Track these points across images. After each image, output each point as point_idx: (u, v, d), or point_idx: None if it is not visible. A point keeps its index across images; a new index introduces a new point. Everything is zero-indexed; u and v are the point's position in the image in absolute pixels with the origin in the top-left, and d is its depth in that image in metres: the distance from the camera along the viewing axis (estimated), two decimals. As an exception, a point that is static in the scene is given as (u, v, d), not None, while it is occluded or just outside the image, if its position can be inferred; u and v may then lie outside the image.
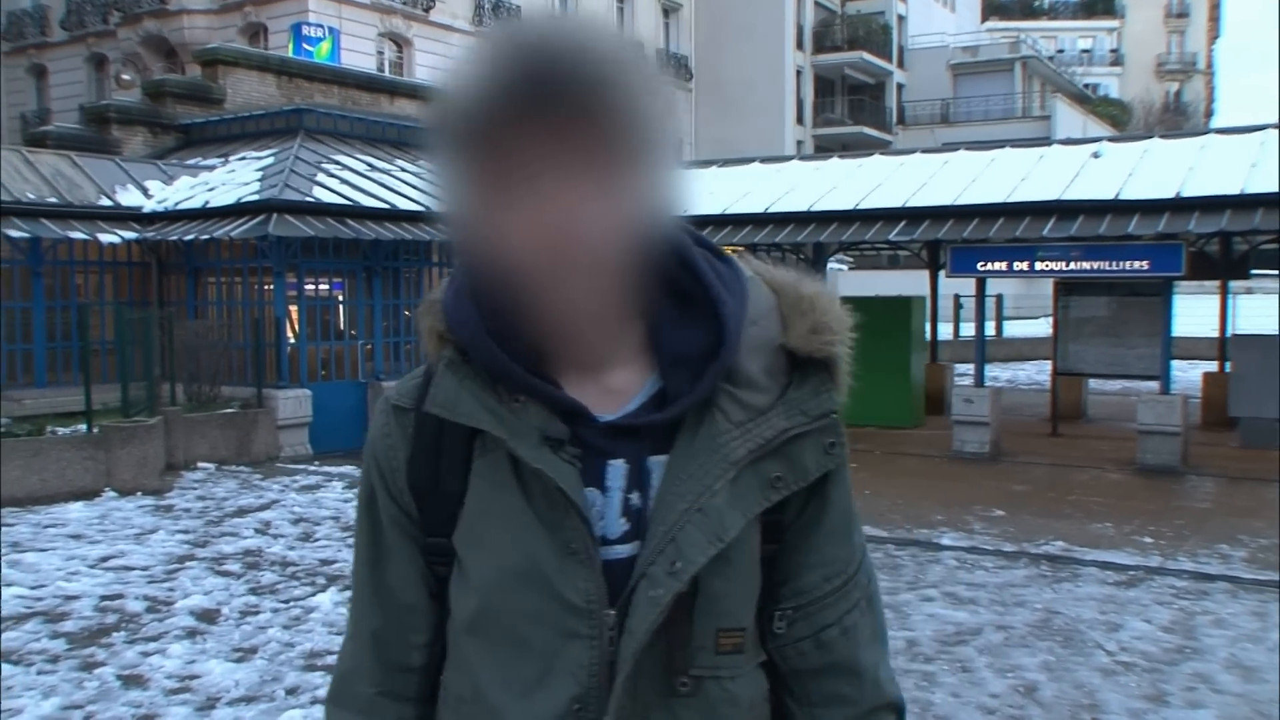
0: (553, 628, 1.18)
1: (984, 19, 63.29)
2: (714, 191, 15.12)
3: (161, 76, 22.83)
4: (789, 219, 13.78)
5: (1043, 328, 28.05)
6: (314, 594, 7.31)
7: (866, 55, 45.34)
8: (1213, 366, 16.58)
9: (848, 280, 28.28)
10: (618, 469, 1.20)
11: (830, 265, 17.11)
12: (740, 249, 15.45)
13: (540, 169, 1.05)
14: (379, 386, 14.03)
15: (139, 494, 10.76)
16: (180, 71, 25.31)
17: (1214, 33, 77.40)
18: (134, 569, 8.04)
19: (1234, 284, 16.63)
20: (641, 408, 1.21)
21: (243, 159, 16.48)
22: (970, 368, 14.61)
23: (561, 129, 1.04)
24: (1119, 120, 54.49)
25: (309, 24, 26.09)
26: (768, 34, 41.94)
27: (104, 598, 7.29)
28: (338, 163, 15.90)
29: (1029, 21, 68.24)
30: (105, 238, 14.24)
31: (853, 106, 47.05)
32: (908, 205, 13.16)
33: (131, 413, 11.59)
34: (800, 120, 43.74)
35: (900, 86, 48.61)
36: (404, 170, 16.50)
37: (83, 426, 11.15)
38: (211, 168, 16.53)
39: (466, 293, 1.21)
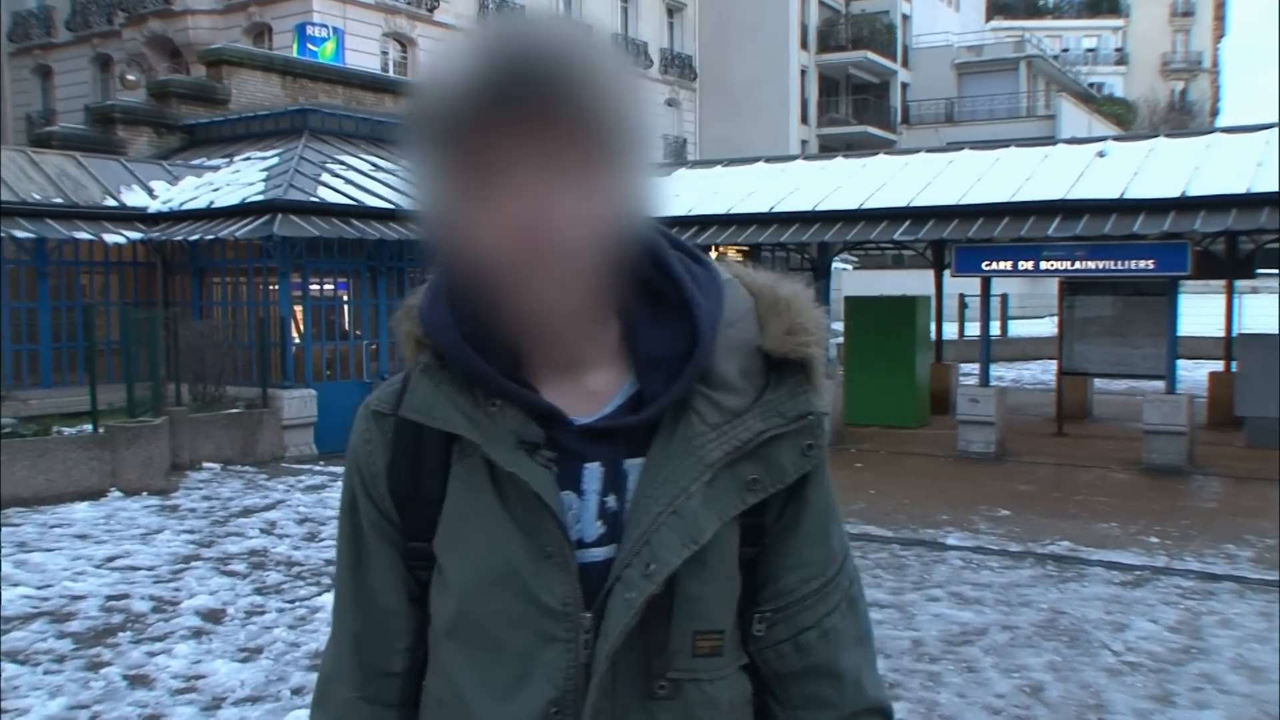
0: (529, 631, 1.18)
1: (988, 18, 63.21)
2: (719, 191, 15.12)
3: (166, 77, 22.86)
4: (794, 219, 13.77)
5: (1048, 327, 28.01)
6: (319, 594, 7.32)
7: (871, 55, 45.29)
8: (1218, 366, 16.54)
9: (852, 280, 28.27)
10: (593, 472, 1.20)
11: (835, 265, 17.10)
12: (743, 249, 15.46)
13: (514, 168, 1.05)
14: (384, 386, 14.02)
15: (144, 494, 10.78)
16: (185, 72, 25.34)
17: (1219, 31, 77.26)
18: (140, 569, 8.05)
19: (1240, 283, 16.59)
20: (617, 410, 1.21)
21: (247, 159, 16.49)
22: (975, 367, 14.60)
23: (535, 129, 1.05)
24: (1124, 119, 54.39)
25: (313, 24, 26.13)
26: (772, 33, 41.90)
27: (110, 598, 7.30)
28: (342, 163, 15.92)
29: (1034, 20, 68.12)
30: (110, 238, 14.26)
31: (857, 106, 47.01)
32: (912, 205, 13.15)
33: (137, 413, 11.61)
34: (805, 120, 43.70)
35: (905, 86, 48.56)
36: (408, 170, 16.50)
37: (88, 427, 11.17)
38: (216, 168, 16.55)
39: (443, 297, 1.22)
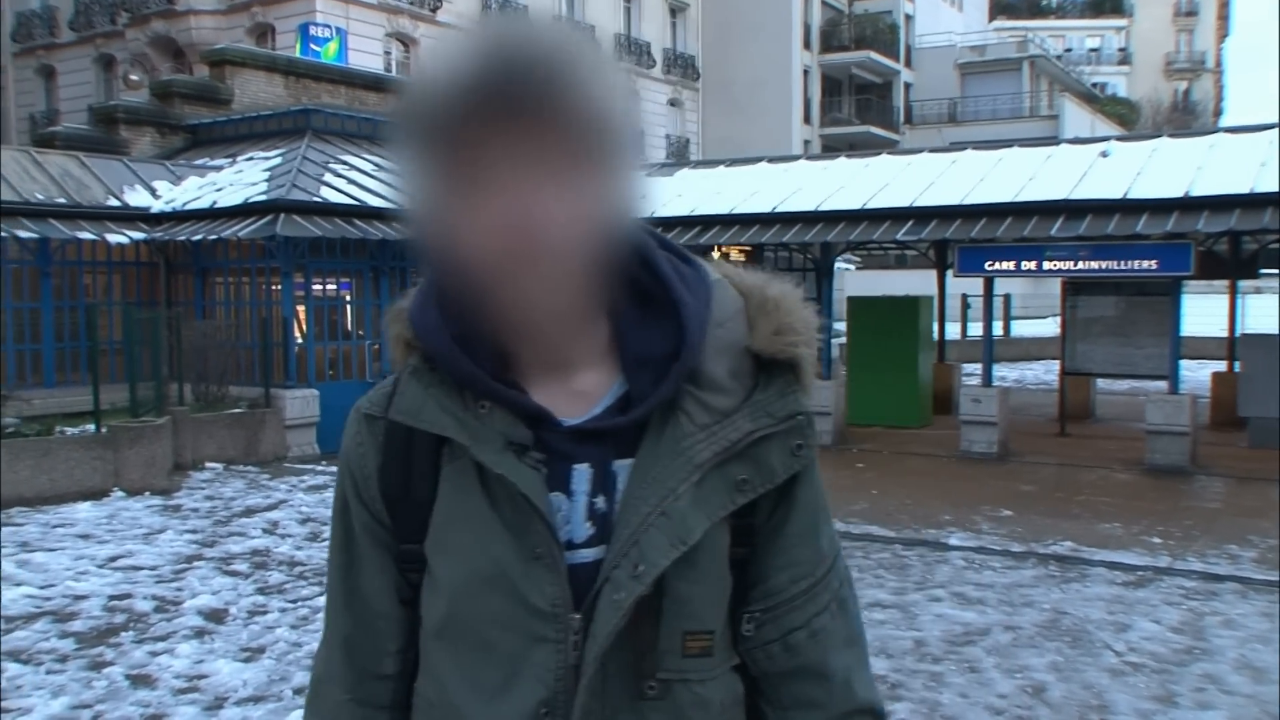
0: (519, 632, 1.18)
1: (991, 18, 63.19)
2: (721, 191, 15.12)
3: (169, 77, 22.89)
4: (796, 218, 13.77)
5: (1051, 327, 27.97)
6: (321, 594, 7.27)
7: (874, 55, 45.29)
8: (1221, 366, 16.52)
9: (855, 280, 28.25)
10: (582, 473, 1.20)
11: (838, 265, 17.09)
12: (746, 249, 15.47)
13: (501, 168, 1.05)
14: (386, 386, 14.03)
15: (147, 494, 10.79)
16: (188, 72, 25.36)
17: (1223, 31, 77.17)
18: (142, 569, 8.05)
19: (1243, 283, 16.58)
20: (606, 411, 1.20)
21: (250, 159, 16.51)
22: (978, 367, 14.59)
23: (523, 129, 1.05)
24: (1127, 119, 54.35)
25: (316, 24, 26.13)
26: (775, 33, 41.89)
27: (112, 597, 7.31)
28: (345, 163, 15.93)
29: (1037, 20, 68.06)
30: (113, 238, 14.29)
31: (860, 106, 47.00)
32: (915, 205, 13.15)
33: (140, 413, 11.62)
34: (807, 120, 43.70)
35: (908, 86, 48.55)
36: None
37: (91, 426, 11.18)
38: (219, 168, 16.57)
39: (432, 299, 1.22)
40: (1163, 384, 12.76)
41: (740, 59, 41.76)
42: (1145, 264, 11.98)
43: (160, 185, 15.69)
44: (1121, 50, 72.11)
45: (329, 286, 15.19)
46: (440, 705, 1.24)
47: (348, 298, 15.44)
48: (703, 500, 1.18)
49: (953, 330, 21.43)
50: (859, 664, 1.30)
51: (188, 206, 14.85)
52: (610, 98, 1.09)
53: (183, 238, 14.28)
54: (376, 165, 16.19)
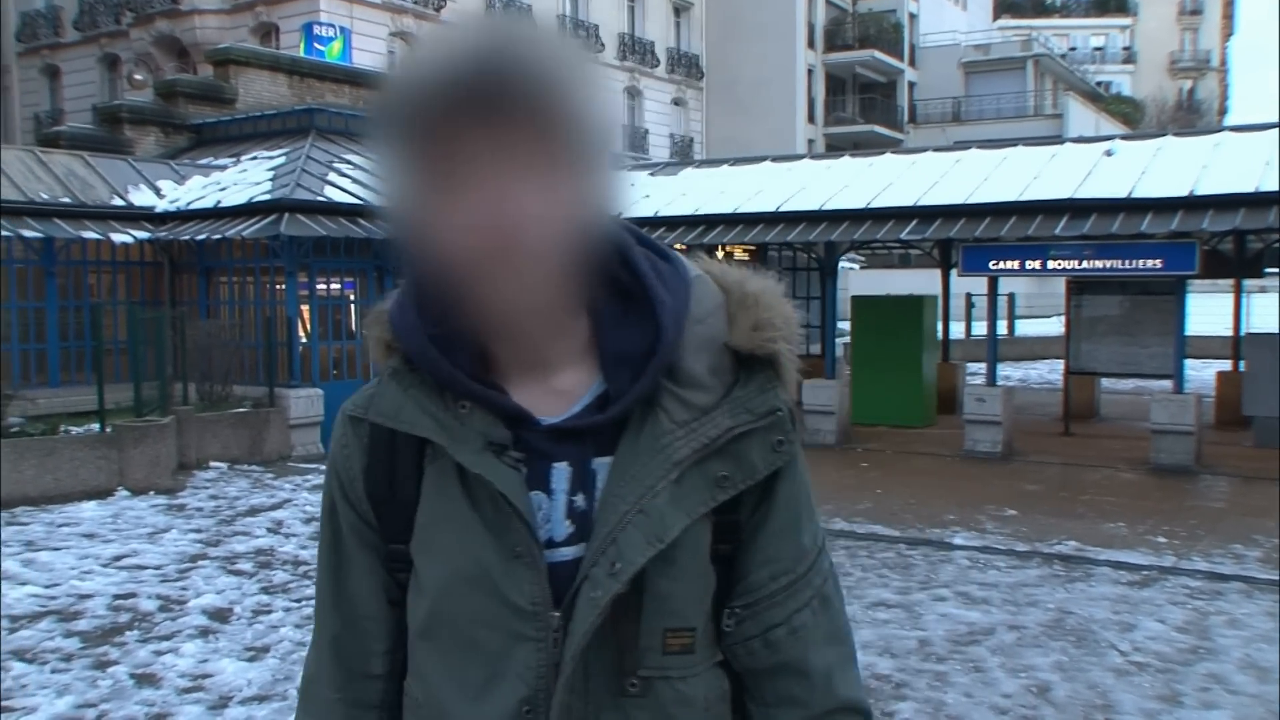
0: (500, 631, 1.18)
1: (996, 17, 63.14)
2: (725, 190, 15.11)
3: (174, 76, 22.92)
4: (800, 218, 13.75)
5: (1055, 327, 27.92)
6: (326, 593, 7.31)
7: (878, 54, 45.26)
8: (1226, 366, 16.49)
9: (859, 279, 28.24)
10: (562, 471, 1.20)
11: (842, 264, 17.07)
12: (750, 248, 15.46)
13: (477, 166, 1.05)
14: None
15: (152, 493, 10.80)
16: (192, 71, 25.39)
17: (1228, 30, 77.06)
18: (147, 568, 8.06)
19: (1248, 282, 16.55)
20: (585, 409, 1.20)
21: (254, 159, 16.53)
22: (982, 367, 14.58)
23: (499, 127, 1.05)
24: (1132, 118, 54.28)
25: (320, 24, 26.16)
26: (779, 32, 41.87)
27: (117, 596, 7.32)
28: (349, 162, 15.93)
29: (1041, 19, 68.01)
30: (118, 237, 14.31)
31: (864, 105, 46.96)
32: (919, 204, 13.13)
33: (144, 412, 11.64)
34: (811, 119, 43.67)
35: (912, 85, 48.50)
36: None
37: (96, 426, 11.19)
38: (223, 167, 16.59)
39: (412, 300, 1.22)
40: (1167, 383, 12.74)
41: (744, 58, 41.75)
42: (1150, 263, 11.96)
43: (164, 185, 15.71)
44: (1126, 49, 72.06)
45: (333, 286, 15.20)
46: (427, 705, 1.25)
47: (352, 297, 15.44)
48: (682, 497, 1.18)
49: (957, 329, 21.43)
50: (842, 662, 1.28)
51: (192, 206, 14.87)
52: (585, 96, 1.09)
53: (187, 237, 14.29)
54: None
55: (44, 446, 10.65)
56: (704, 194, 15.10)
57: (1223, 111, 74.01)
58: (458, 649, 1.21)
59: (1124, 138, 14.97)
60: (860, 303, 15.86)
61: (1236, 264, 15.16)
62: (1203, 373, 18.09)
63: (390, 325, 1.25)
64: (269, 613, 6.93)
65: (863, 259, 26.20)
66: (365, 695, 1.32)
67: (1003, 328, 23.12)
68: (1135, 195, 11.83)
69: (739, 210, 14.23)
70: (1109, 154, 13.34)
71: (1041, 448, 13.43)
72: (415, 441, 1.23)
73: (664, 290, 1.21)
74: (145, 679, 5.80)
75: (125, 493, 10.73)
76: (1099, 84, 60.20)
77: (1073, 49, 66.94)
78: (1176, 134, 14.45)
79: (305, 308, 14.44)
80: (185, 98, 19.96)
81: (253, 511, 10.13)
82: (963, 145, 16.56)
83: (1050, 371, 23.02)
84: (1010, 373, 21.66)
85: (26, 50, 34.40)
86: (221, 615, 6.91)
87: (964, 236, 12.79)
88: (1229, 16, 76.89)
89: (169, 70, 27.32)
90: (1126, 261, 12.08)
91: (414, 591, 1.26)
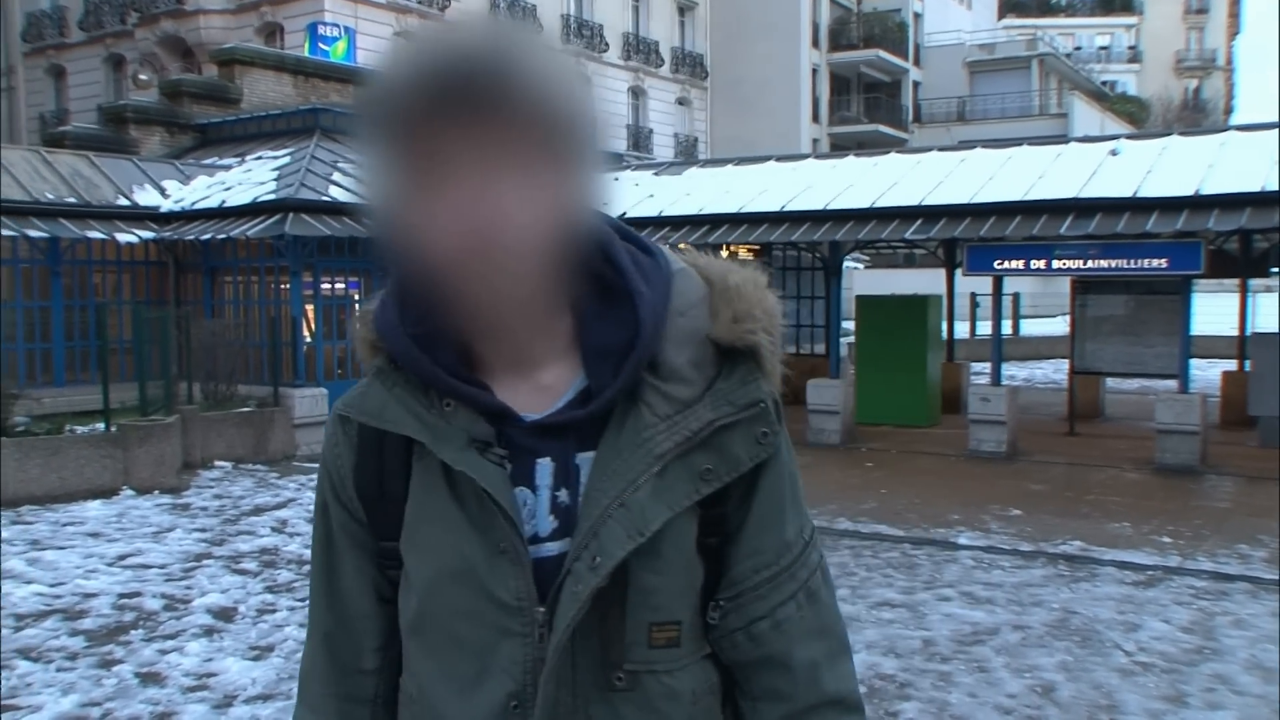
0: (487, 626, 1.19)
1: (1001, 16, 63.04)
2: (730, 190, 15.10)
3: (178, 76, 22.96)
4: (805, 217, 13.74)
5: (1060, 326, 27.94)
6: (330, 592, 7.32)
7: (882, 53, 45.23)
8: (1232, 365, 16.46)
9: (864, 279, 28.24)
10: (545, 467, 1.21)
11: (846, 264, 17.06)
12: (754, 248, 15.45)
13: (459, 164, 1.06)
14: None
15: (156, 492, 10.81)
16: (197, 71, 25.42)
17: (1234, 29, 76.91)
18: (152, 567, 8.07)
19: (1254, 282, 16.51)
20: (568, 405, 1.21)
21: (259, 158, 16.56)
22: (987, 366, 14.55)
23: (480, 126, 1.05)
24: (1137, 118, 54.19)
25: (325, 24, 26.19)
26: (783, 32, 41.88)
27: (122, 595, 7.33)
28: (354, 162, 15.91)
29: (1046, 18, 67.95)
30: (123, 237, 14.33)
31: (869, 104, 46.93)
32: (924, 203, 13.11)
33: (149, 411, 11.65)
34: (816, 118, 43.66)
35: (916, 84, 48.47)
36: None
37: (101, 425, 11.21)
38: (228, 167, 16.61)
39: (394, 300, 1.23)
40: (1172, 383, 12.72)
41: (749, 58, 41.75)
42: (1155, 263, 11.93)
43: (169, 184, 15.74)
44: (1131, 48, 71.95)
45: (337, 285, 15.23)
46: (420, 700, 1.26)
47: (356, 297, 15.46)
48: (664, 491, 1.18)
49: (961, 329, 21.41)
50: (829, 655, 1.28)
51: (197, 206, 14.89)
52: (567, 94, 1.09)
53: (191, 237, 14.32)
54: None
55: (49, 446, 10.67)
56: (709, 194, 15.09)
57: (1228, 111, 73.90)
58: (446, 645, 1.22)
59: (1129, 137, 14.95)
60: (865, 302, 15.84)
61: (1242, 263, 15.12)
62: (1208, 372, 18.06)
63: (374, 324, 1.26)
64: (273, 612, 6.94)
65: (867, 258, 26.21)
66: (358, 690, 1.34)
67: (1007, 327, 23.12)
68: (1140, 195, 11.81)
69: (744, 210, 14.22)
70: (1114, 153, 13.32)
71: (1046, 447, 13.41)
72: (403, 439, 1.24)
73: (643, 284, 1.21)
74: (150, 678, 5.81)
75: (130, 492, 10.75)
76: (1104, 83, 60.12)
77: (1078, 48, 66.89)
78: (1182, 133, 14.42)
79: (310, 307, 14.46)
80: (190, 98, 19.99)
81: (257, 511, 10.14)
82: (967, 145, 16.54)
83: (1055, 371, 23.00)
84: (1015, 372, 21.63)
85: (32, 50, 34.46)
86: (226, 614, 6.91)
87: (969, 236, 12.77)
88: (1235, 15, 76.74)
89: (174, 70, 27.37)
90: (1131, 261, 12.05)
91: (404, 588, 1.27)
